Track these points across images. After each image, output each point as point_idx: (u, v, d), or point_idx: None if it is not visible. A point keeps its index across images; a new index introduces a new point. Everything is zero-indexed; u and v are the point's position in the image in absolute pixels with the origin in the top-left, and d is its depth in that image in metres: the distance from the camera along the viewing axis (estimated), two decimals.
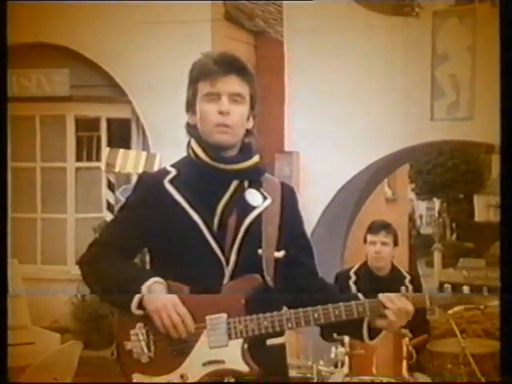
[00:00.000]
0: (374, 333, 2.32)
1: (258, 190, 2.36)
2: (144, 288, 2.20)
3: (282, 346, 2.34)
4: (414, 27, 7.49)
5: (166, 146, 7.32)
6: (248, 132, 2.39)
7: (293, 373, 4.23)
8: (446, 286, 2.32)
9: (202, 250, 2.26)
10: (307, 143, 7.67)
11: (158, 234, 2.30)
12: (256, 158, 2.39)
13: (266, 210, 2.34)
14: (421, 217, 29.23)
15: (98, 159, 8.45)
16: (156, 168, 7.00)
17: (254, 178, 2.38)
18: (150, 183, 2.37)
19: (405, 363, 4.23)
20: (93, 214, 8.51)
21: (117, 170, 7.48)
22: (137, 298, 2.20)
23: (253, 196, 2.34)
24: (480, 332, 7.10)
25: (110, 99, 8.60)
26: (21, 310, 5.76)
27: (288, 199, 2.41)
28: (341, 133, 7.58)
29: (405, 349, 4.22)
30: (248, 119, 2.38)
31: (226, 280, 2.25)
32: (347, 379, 4.14)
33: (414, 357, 4.27)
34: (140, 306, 2.21)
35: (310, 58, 7.66)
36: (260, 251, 2.29)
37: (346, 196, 7.94)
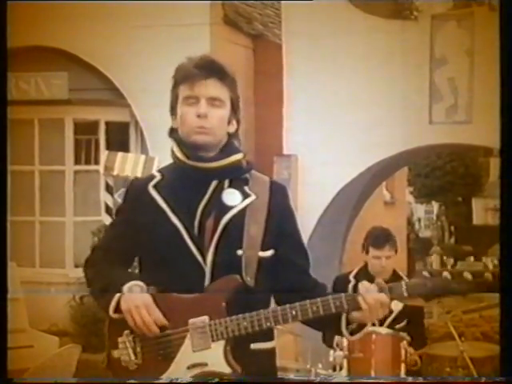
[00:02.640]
0: (356, 329, 2.30)
1: (241, 187, 2.34)
2: (123, 290, 2.23)
3: (272, 351, 2.34)
4: (413, 31, 7.50)
5: (164, 150, 7.29)
6: (231, 136, 2.37)
7: (291, 376, 4.23)
8: (423, 273, 2.29)
9: (182, 254, 2.27)
10: (306, 146, 7.68)
11: (145, 238, 2.33)
12: (237, 156, 2.36)
13: (250, 208, 2.32)
14: (419, 220, 29.20)
15: (97, 162, 8.44)
16: (154, 171, 7.00)
17: (235, 175, 2.35)
18: (137, 188, 2.40)
19: (403, 366, 4.23)
20: (91, 217, 8.51)
21: (115, 173, 7.47)
22: (114, 300, 2.24)
23: (230, 196, 2.32)
24: (479, 335, 7.10)
25: (109, 102, 8.60)
26: (19, 313, 5.76)
27: (277, 196, 2.38)
28: (339, 136, 7.59)
29: (403, 352, 4.23)
30: (229, 123, 2.36)
31: (206, 282, 2.25)
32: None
33: (419, 363, 4.27)
34: (119, 309, 2.23)
35: (309, 61, 7.67)
36: (240, 252, 2.28)
37: (345, 199, 7.94)
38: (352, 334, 2.31)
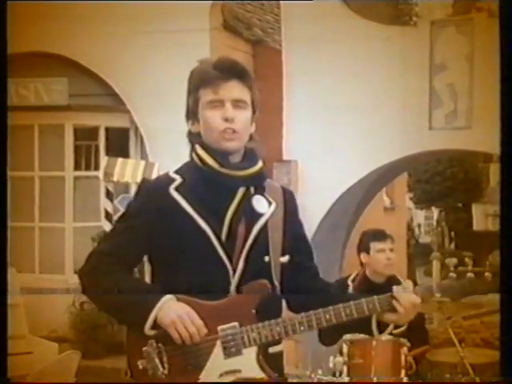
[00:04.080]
0: (382, 327, 2.34)
1: (263, 194, 2.35)
2: (158, 307, 2.17)
3: (281, 354, 2.34)
4: (412, 37, 7.51)
5: (164, 155, 7.33)
6: (250, 137, 2.37)
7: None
8: (450, 274, 2.32)
9: (209, 259, 2.24)
10: (306, 152, 7.68)
11: (161, 243, 2.27)
12: (261, 164, 2.37)
13: (272, 216, 2.33)
14: (419, 226, 29.20)
15: (97, 168, 8.44)
16: (154, 176, 6.99)
17: (259, 183, 2.36)
18: (152, 190, 2.33)
19: (403, 372, 4.22)
20: (91, 223, 8.50)
21: (115, 179, 7.48)
22: (151, 319, 2.17)
23: (259, 202, 2.33)
24: (479, 341, 7.09)
25: (109, 108, 8.61)
26: (19, 320, 5.75)
27: (290, 203, 2.42)
28: (339, 142, 7.59)
29: (403, 358, 4.22)
30: (251, 124, 2.37)
31: (232, 289, 2.23)
32: None
33: (414, 367, 4.26)
34: (154, 325, 2.18)
35: (309, 66, 7.68)
36: (267, 258, 2.28)
37: (345, 205, 7.94)
38: (380, 331, 2.35)
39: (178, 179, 2.32)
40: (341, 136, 7.59)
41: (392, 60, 7.52)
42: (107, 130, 8.75)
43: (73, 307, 7.87)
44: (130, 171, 7.39)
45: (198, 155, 2.32)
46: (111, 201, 7.85)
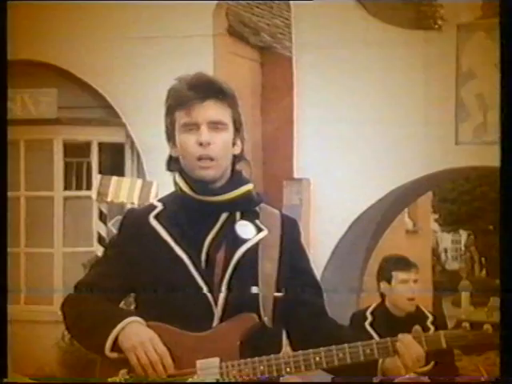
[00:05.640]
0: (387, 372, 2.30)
1: (253, 221, 2.36)
2: (119, 327, 2.21)
3: None
4: (436, 42, 7.54)
5: (163, 173, 7.34)
6: (237, 158, 2.38)
7: None
8: (463, 324, 2.29)
9: (188, 289, 2.27)
10: (318, 170, 7.69)
11: (143, 272, 2.32)
12: (247, 187, 2.37)
13: (263, 243, 2.33)
14: (446, 251, 29.15)
15: (89, 188, 8.47)
16: (152, 197, 7.02)
17: (246, 208, 2.37)
18: (135, 219, 2.40)
19: None
20: (82, 249, 8.52)
21: (109, 199, 7.50)
22: (111, 337, 2.21)
23: (244, 228, 2.33)
24: None
25: (102, 122, 8.66)
26: None
27: (288, 231, 2.40)
28: (355, 158, 7.60)
29: None
30: (234, 144, 2.36)
31: (215, 321, 2.25)
32: None
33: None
34: (116, 348, 2.21)
35: (322, 76, 7.71)
36: (255, 289, 2.28)
37: (362, 228, 7.94)
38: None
39: (159, 207, 2.38)
40: (357, 152, 7.60)
41: (414, 68, 7.55)
42: (100, 145, 8.79)
43: (62, 341, 7.86)
44: (125, 191, 7.41)
45: (177, 183, 2.38)
46: (105, 223, 7.87)
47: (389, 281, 4.59)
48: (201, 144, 2.29)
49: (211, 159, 2.29)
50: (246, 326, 2.23)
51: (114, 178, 7.54)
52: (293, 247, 2.40)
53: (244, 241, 2.32)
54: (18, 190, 8.78)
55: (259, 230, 2.35)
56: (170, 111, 2.38)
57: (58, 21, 8.25)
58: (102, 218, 7.92)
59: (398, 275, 4.56)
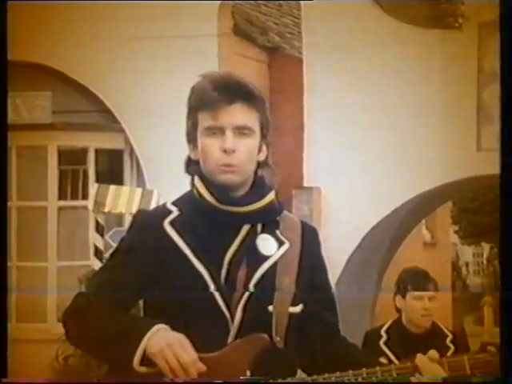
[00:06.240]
0: None
1: (274, 232, 2.35)
2: (148, 337, 2.16)
3: None
4: (456, 41, 7.54)
5: (164, 182, 7.34)
6: (261, 164, 2.37)
7: None
8: (488, 347, 2.27)
9: (205, 305, 2.26)
10: (330, 178, 7.69)
11: (155, 282, 2.29)
12: (270, 196, 2.36)
13: (283, 257, 2.33)
14: (467, 264, 29.08)
15: (85, 197, 8.49)
16: (153, 207, 7.03)
17: (268, 219, 2.36)
18: (147, 223, 2.36)
19: None
20: (78, 262, 8.53)
21: (107, 209, 7.52)
22: (140, 349, 2.16)
23: (265, 243, 2.33)
24: None
25: (99, 127, 8.68)
26: None
27: (309, 243, 2.40)
28: (369, 166, 7.60)
29: None
30: (260, 151, 2.36)
31: (230, 339, 2.25)
32: None
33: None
34: (144, 361, 2.17)
35: (333, 78, 7.72)
36: (271, 308, 2.28)
37: (377, 240, 7.93)
38: None
39: (175, 212, 2.35)
40: (371, 159, 7.60)
41: (432, 69, 7.55)
42: (97, 152, 8.80)
43: (55, 362, 7.87)
44: (124, 200, 7.42)
45: (196, 188, 2.34)
46: (102, 235, 7.88)
47: (404, 295, 4.61)
48: (225, 151, 2.27)
49: (234, 166, 2.28)
50: (256, 348, 2.23)
51: (112, 187, 7.55)
52: (313, 259, 2.41)
53: (266, 257, 2.31)
54: (9, 199, 8.81)
55: (280, 243, 2.34)
56: (193, 112, 2.33)
57: (52, 20, 8.28)
58: (99, 229, 7.93)
59: (412, 291, 4.57)
